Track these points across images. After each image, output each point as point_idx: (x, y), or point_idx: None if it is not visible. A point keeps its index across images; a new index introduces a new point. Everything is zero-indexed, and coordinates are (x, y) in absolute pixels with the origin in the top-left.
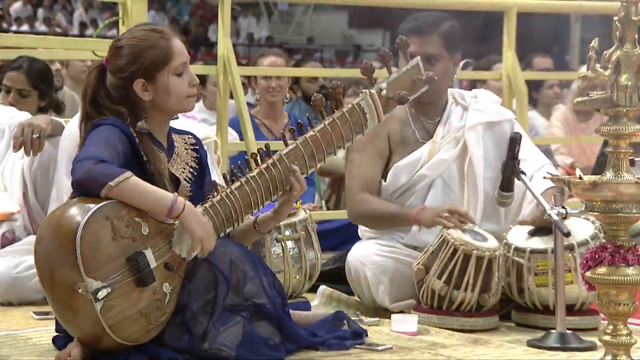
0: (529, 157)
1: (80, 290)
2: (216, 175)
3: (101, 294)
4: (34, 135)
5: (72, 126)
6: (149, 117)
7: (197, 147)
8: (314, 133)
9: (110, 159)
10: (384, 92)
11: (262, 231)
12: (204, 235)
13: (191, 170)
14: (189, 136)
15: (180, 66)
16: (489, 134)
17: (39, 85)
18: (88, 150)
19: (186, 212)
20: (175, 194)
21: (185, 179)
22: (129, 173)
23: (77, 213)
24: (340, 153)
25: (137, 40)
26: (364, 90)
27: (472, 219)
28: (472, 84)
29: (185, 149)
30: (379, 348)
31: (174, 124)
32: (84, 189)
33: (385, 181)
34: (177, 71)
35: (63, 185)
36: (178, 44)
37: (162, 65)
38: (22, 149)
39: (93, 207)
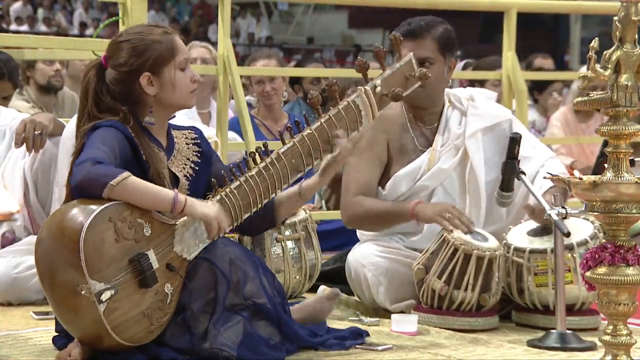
0: (532, 153)
1: (83, 292)
2: None
3: (105, 296)
4: (35, 132)
5: (72, 126)
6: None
7: (199, 140)
8: (310, 131)
9: (108, 160)
10: (379, 88)
11: (305, 197)
12: (217, 214)
13: (192, 165)
14: (189, 130)
15: (184, 61)
16: (489, 136)
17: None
18: (86, 153)
19: (188, 203)
20: (175, 190)
21: (185, 176)
22: (127, 173)
23: (80, 215)
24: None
25: (143, 35)
26: (359, 87)
27: (471, 221)
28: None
29: (186, 143)
30: (379, 348)
31: (176, 123)
32: (85, 191)
33: (384, 190)
34: (181, 66)
35: (64, 186)
36: (180, 41)
37: (168, 59)
38: (24, 145)
39: (96, 208)
